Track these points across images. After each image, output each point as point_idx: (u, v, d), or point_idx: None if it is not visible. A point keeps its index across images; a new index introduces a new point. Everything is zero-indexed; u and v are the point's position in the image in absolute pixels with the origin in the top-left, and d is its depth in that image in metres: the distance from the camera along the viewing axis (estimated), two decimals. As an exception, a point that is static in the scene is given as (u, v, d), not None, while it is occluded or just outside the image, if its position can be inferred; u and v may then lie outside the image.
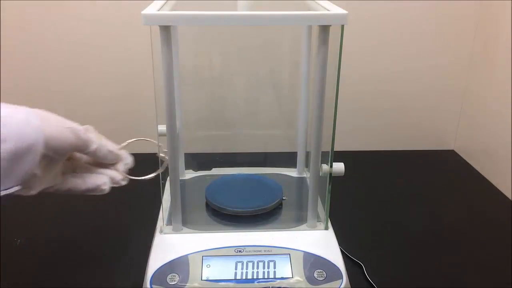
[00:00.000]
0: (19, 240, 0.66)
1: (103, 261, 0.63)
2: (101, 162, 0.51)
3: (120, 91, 0.91)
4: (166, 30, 0.47)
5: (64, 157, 0.48)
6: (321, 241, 0.55)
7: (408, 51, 0.93)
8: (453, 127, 1.00)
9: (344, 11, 0.47)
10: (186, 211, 0.58)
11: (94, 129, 0.50)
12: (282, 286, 0.49)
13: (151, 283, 0.49)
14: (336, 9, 0.49)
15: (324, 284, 0.49)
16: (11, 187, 0.43)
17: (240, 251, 0.52)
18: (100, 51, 0.88)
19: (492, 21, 0.87)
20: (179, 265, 0.51)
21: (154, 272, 0.50)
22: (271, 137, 0.81)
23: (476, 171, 0.91)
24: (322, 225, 0.57)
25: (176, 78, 0.52)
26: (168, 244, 0.54)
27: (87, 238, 0.68)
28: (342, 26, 0.48)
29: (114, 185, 0.51)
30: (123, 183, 0.52)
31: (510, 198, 0.80)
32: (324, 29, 0.48)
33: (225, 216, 0.58)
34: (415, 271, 0.62)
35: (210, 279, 0.49)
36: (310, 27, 0.62)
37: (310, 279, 0.50)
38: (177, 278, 0.49)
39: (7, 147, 0.41)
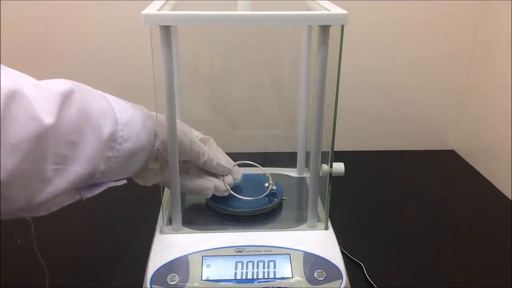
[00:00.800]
0: (19, 240, 0.66)
1: (103, 261, 0.63)
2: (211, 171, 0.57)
3: (120, 91, 0.91)
4: (166, 30, 0.47)
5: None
6: (321, 241, 0.55)
7: (408, 51, 0.93)
8: (453, 127, 1.00)
9: (344, 11, 0.47)
10: (186, 211, 0.58)
11: (213, 141, 0.59)
12: (282, 286, 0.49)
13: (151, 283, 0.49)
14: (336, 9, 0.49)
15: (324, 284, 0.49)
16: (122, 179, 0.49)
17: (240, 251, 0.52)
18: (100, 51, 0.88)
19: (492, 21, 0.87)
20: (179, 265, 0.51)
21: (154, 272, 0.50)
22: (271, 137, 0.81)
23: (476, 171, 0.91)
24: (322, 225, 0.57)
25: (176, 78, 0.52)
26: (168, 244, 0.54)
27: (87, 238, 0.68)
28: (342, 26, 0.48)
29: (217, 194, 0.57)
30: (225, 194, 0.58)
31: (510, 198, 0.80)
32: (324, 29, 0.48)
33: (225, 216, 0.58)
34: (415, 271, 0.62)
35: (210, 279, 0.49)
36: (310, 27, 0.62)
37: (310, 279, 0.50)
38: (177, 278, 0.49)
39: (128, 146, 0.46)
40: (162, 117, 0.51)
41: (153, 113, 0.51)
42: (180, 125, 0.53)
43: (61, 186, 0.42)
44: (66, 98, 0.41)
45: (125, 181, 0.49)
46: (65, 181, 0.42)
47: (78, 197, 0.46)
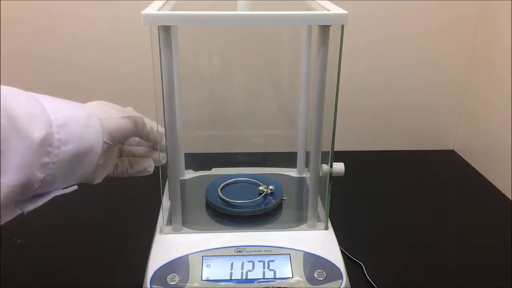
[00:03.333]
0: (19, 240, 0.66)
1: (103, 261, 0.63)
2: (146, 142, 0.55)
3: (120, 91, 0.91)
4: (166, 30, 0.47)
5: (124, 141, 0.52)
6: (321, 241, 0.55)
7: (408, 52, 0.92)
8: (453, 127, 1.00)
9: (344, 11, 0.47)
10: (186, 211, 0.58)
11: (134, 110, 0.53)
12: (282, 286, 0.49)
13: (151, 283, 0.49)
14: (336, 9, 0.49)
15: (324, 284, 0.49)
16: (71, 186, 0.45)
17: (240, 251, 0.52)
18: (100, 51, 0.88)
19: (492, 21, 0.87)
20: (179, 265, 0.51)
21: (154, 272, 0.50)
22: (271, 137, 0.81)
23: (476, 171, 0.91)
24: (322, 225, 0.57)
25: (176, 78, 0.52)
26: (168, 244, 0.54)
27: (87, 238, 0.68)
28: (342, 26, 0.48)
29: (156, 165, 0.56)
30: (164, 161, 0.56)
31: (510, 198, 0.80)
32: (324, 29, 0.48)
33: (225, 216, 0.58)
34: (415, 271, 0.62)
35: (210, 279, 0.49)
36: (310, 27, 0.62)
37: (310, 279, 0.50)
38: (177, 278, 0.49)
39: (69, 148, 0.42)
40: (102, 105, 0.48)
41: (99, 104, 0.49)
42: (114, 108, 0.49)
43: None
44: None
45: (75, 187, 0.45)
46: None
47: (19, 211, 0.42)
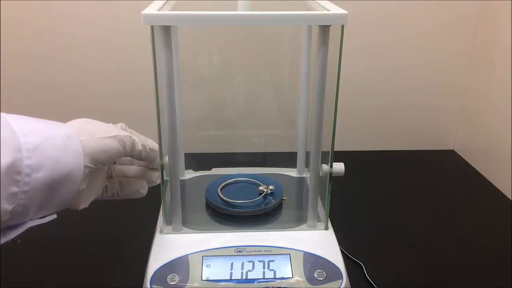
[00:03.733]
0: (19, 240, 0.66)
1: (103, 261, 0.63)
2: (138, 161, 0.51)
3: (120, 91, 0.91)
4: (166, 30, 0.47)
5: (109, 164, 0.48)
6: (321, 241, 0.55)
7: (408, 51, 0.92)
8: (453, 127, 1.00)
9: (344, 11, 0.47)
10: (186, 211, 0.58)
11: (126, 126, 0.50)
12: (282, 286, 0.49)
13: (151, 283, 0.49)
14: (336, 9, 0.49)
15: (324, 284, 0.49)
16: (49, 215, 0.41)
17: (240, 251, 0.52)
18: (100, 51, 0.88)
19: (492, 21, 0.87)
20: (179, 265, 0.51)
21: (154, 272, 0.50)
22: (271, 137, 0.81)
23: (476, 171, 0.91)
24: (322, 225, 0.57)
25: (176, 78, 0.52)
26: (168, 244, 0.54)
27: (87, 238, 0.68)
28: (342, 26, 0.48)
29: (150, 185, 0.52)
30: (158, 181, 0.53)
31: (510, 198, 0.80)
32: (324, 29, 0.48)
33: (225, 216, 0.58)
34: (415, 271, 0.62)
35: (210, 279, 0.49)
36: (310, 27, 0.62)
37: (310, 279, 0.50)
38: (177, 278, 0.49)
39: (41, 175, 0.37)
40: (84, 124, 0.44)
41: (81, 123, 0.44)
42: (98, 127, 0.45)
43: None
44: None
45: (54, 216, 0.41)
46: None
47: None
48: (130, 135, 0.47)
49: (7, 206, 0.36)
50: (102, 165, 0.44)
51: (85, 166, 0.41)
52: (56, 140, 0.39)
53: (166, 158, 0.52)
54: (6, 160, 0.35)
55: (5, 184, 0.35)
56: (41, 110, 0.90)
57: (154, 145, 0.51)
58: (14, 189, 0.36)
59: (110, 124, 0.48)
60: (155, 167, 0.53)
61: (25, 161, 0.36)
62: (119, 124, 0.49)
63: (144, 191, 0.52)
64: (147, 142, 0.50)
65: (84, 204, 0.45)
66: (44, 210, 0.40)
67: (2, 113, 0.38)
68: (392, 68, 0.94)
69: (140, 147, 0.48)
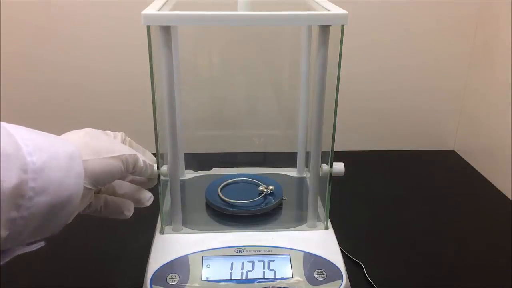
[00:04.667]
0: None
1: (103, 261, 0.63)
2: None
3: (120, 91, 0.91)
4: (166, 30, 0.47)
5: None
6: (321, 241, 0.55)
7: (408, 51, 0.92)
8: (453, 127, 1.00)
9: (344, 11, 0.47)
10: (186, 211, 0.58)
11: (124, 135, 0.47)
12: (282, 286, 0.49)
13: (151, 283, 0.49)
14: (336, 9, 0.49)
15: (324, 284, 0.49)
16: (38, 242, 0.38)
17: (240, 251, 0.52)
18: (100, 51, 0.88)
19: (492, 21, 0.87)
20: (179, 265, 0.51)
21: (154, 272, 0.50)
22: (271, 137, 0.81)
23: (476, 171, 0.91)
24: (322, 225, 0.57)
25: (176, 78, 0.52)
26: (168, 244, 0.54)
27: (86, 238, 0.68)
28: (342, 26, 0.48)
29: (139, 206, 0.48)
30: (148, 203, 0.49)
31: (510, 198, 0.80)
32: (324, 29, 0.48)
33: (225, 216, 0.58)
34: (415, 271, 0.62)
35: (210, 279, 0.49)
36: (310, 27, 0.62)
37: (310, 279, 0.50)
38: (177, 278, 0.49)
39: (43, 200, 0.33)
40: (87, 139, 0.41)
41: (85, 139, 0.41)
42: (101, 144, 0.41)
43: None
44: None
45: (42, 244, 0.38)
46: None
47: None
48: (135, 152, 0.44)
49: (3, 233, 0.32)
50: (102, 186, 0.41)
51: (85, 188, 0.38)
52: (60, 161, 0.35)
53: (165, 167, 0.52)
54: (13, 181, 0.31)
55: (6, 208, 0.31)
56: (41, 110, 0.91)
57: (153, 159, 0.49)
58: (14, 214, 0.32)
59: (113, 139, 0.45)
60: (150, 185, 0.50)
61: (30, 184, 0.32)
62: (119, 135, 0.47)
63: (128, 213, 0.46)
64: (146, 155, 0.48)
65: (69, 220, 0.41)
66: (37, 235, 0.36)
67: (2, 123, 0.33)
68: (392, 68, 0.94)
69: (141, 163, 0.45)
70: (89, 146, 0.40)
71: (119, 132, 0.49)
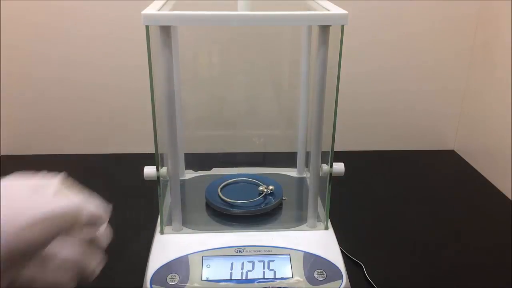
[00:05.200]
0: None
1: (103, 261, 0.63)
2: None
3: (120, 91, 0.91)
4: (166, 30, 0.47)
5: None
6: (321, 241, 0.55)
7: (408, 51, 0.92)
8: (453, 127, 1.00)
9: (344, 11, 0.47)
10: (186, 211, 0.58)
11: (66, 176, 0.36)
12: (282, 286, 0.49)
13: (151, 283, 0.49)
14: (336, 9, 0.49)
15: (324, 284, 0.49)
16: None
17: (240, 251, 0.52)
18: (100, 51, 0.88)
19: (492, 21, 0.87)
20: (179, 265, 0.51)
21: (154, 272, 0.50)
22: (271, 137, 0.81)
23: (476, 171, 0.91)
24: (322, 225, 0.57)
25: (176, 78, 0.52)
26: (168, 244, 0.54)
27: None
28: (342, 26, 0.48)
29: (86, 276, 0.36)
30: (98, 270, 0.38)
31: (510, 198, 0.80)
32: (324, 29, 0.48)
33: (225, 216, 0.58)
34: (415, 271, 0.62)
35: (210, 279, 0.49)
36: (310, 27, 0.62)
37: (310, 279, 0.50)
38: (177, 278, 0.49)
39: None
40: (16, 189, 0.31)
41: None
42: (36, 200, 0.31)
43: None
44: None
45: None
46: None
47: None
48: (75, 203, 0.34)
49: None
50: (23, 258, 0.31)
51: None
52: None
53: (164, 169, 0.51)
54: None
55: None
56: (41, 109, 0.91)
57: (99, 208, 0.37)
58: None
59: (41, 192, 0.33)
60: (100, 244, 0.39)
61: None
62: (57, 178, 0.35)
63: (70, 286, 0.34)
64: (87, 206, 0.36)
65: None
66: None
67: None
68: (392, 68, 0.94)
69: (83, 219, 0.34)
70: (12, 205, 0.30)
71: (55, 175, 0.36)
